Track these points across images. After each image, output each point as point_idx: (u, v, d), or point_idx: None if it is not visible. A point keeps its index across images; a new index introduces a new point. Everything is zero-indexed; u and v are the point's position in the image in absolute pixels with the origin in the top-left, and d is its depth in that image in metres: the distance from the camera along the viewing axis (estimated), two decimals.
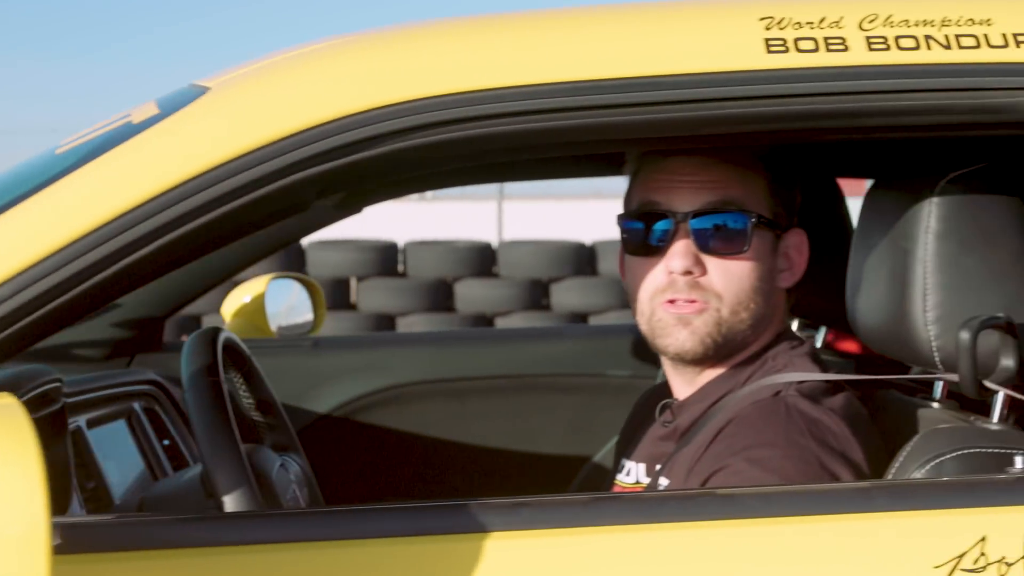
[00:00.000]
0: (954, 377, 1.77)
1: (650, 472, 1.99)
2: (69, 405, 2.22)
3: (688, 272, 1.88)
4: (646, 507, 1.58)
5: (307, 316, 3.34)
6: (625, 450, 2.09)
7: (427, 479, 3.09)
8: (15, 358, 1.65)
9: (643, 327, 1.94)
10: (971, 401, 1.83)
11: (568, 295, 9.98)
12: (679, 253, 1.89)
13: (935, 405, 1.93)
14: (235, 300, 3.28)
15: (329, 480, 2.95)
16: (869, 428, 1.91)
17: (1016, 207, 1.79)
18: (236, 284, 3.57)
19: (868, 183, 2.01)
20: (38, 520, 1.36)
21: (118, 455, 2.45)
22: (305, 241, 9.98)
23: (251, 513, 1.71)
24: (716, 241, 1.90)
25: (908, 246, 1.78)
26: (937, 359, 1.77)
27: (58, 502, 2.01)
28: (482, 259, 10.17)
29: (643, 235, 1.93)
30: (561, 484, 2.98)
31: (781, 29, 1.63)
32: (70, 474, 2.05)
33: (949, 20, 1.64)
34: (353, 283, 10.04)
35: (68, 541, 1.52)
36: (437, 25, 1.70)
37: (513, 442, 3.10)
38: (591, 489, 2.94)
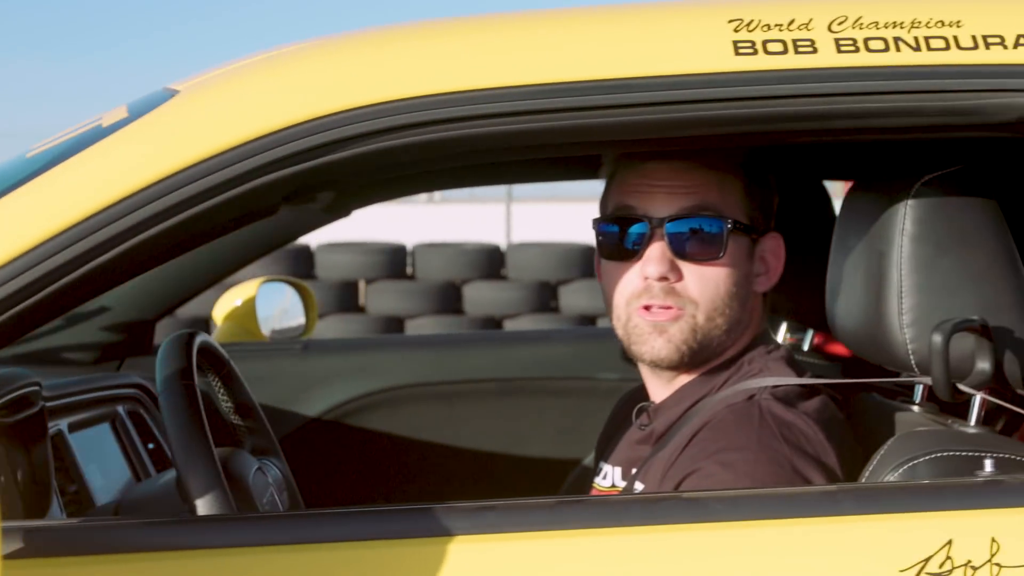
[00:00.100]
0: (928, 380, 1.77)
1: (626, 476, 1.98)
2: (50, 409, 2.22)
3: (664, 278, 1.88)
4: (611, 511, 1.58)
5: (299, 320, 3.34)
6: (603, 453, 2.09)
7: (417, 482, 3.09)
8: None
9: (619, 332, 1.94)
10: (952, 404, 1.82)
11: (577, 297, 9.97)
12: (655, 258, 1.88)
13: (915, 408, 1.92)
14: (226, 303, 3.29)
15: (319, 483, 2.95)
16: (843, 432, 1.90)
17: (991, 209, 1.78)
18: (228, 287, 3.57)
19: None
20: None
21: (101, 459, 2.45)
22: (314, 244, 9.99)
23: (217, 517, 1.71)
24: (692, 246, 1.89)
25: (884, 248, 1.78)
26: (913, 362, 1.77)
27: (37, 505, 2.02)
28: (491, 261, 10.16)
29: (618, 239, 1.92)
30: (551, 487, 2.98)
31: (750, 31, 1.62)
32: (50, 477, 2.05)
33: (919, 22, 1.64)
34: (362, 285, 10.04)
35: (30, 545, 1.52)
36: (405, 28, 1.70)
37: (503, 445, 3.10)
38: (581, 492, 2.93)
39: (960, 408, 1.83)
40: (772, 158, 2.51)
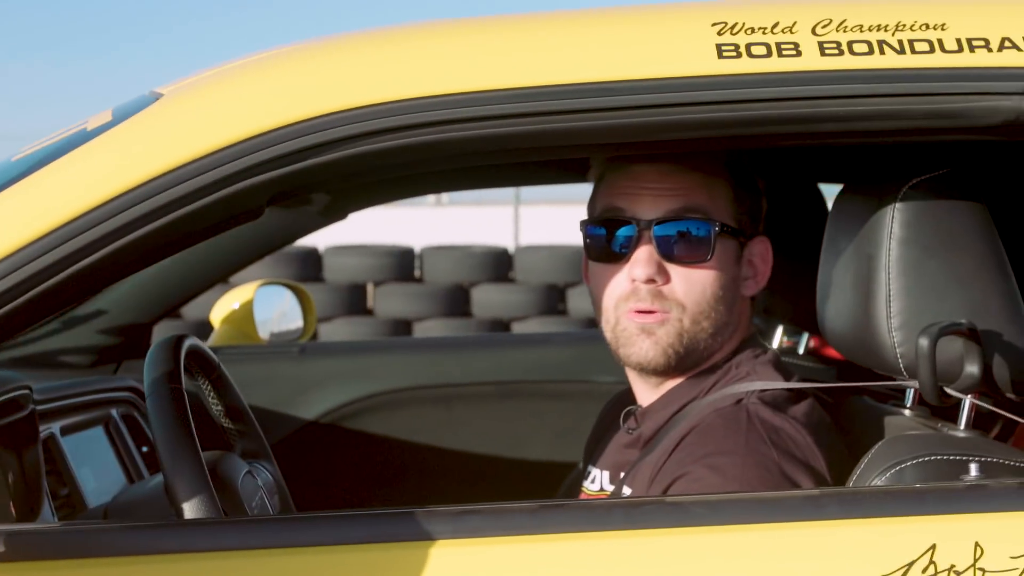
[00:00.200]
0: (916, 384, 1.76)
1: (614, 479, 1.98)
2: (42, 412, 2.23)
3: (651, 280, 1.88)
4: (594, 515, 1.57)
5: (297, 323, 3.35)
6: (591, 457, 2.09)
7: (414, 485, 3.09)
8: None
9: (607, 335, 1.94)
10: (943, 408, 1.82)
11: (585, 300, 9.95)
12: (642, 261, 1.88)
13: (905, 412, 1.91)
14: (224, 306, 3.29)
15: (317, 486, 2.96)
16: (832, 436, 1.90)
17: (979, 212, 1.78)
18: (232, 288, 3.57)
19: None
20: None
21: (95, 462, 2.45)
22: (322, 246, 10.00)
23: (203, 521, 1.71)
24: (679, 249, 1.89)
25: (872, 251, 1.77)
26: (901, 365, 1.76)
27: (29, 508, 2.02)
28: (499, 264, 10.17)
29: (606, 241, 1.92)
30: (548, 490, 2.97)
31: (733, 34, 1.62)
32: (41, 480, 2.05)
33: (903, 25, 1.63)
34: (370, 288, 10.05)
35: (13, 549, 1.52)
36: (388, 32, 1.69)
37: (500, 448, 3.10)
38: (576, 495, 2.93)
39: (951, 412, 1.82)
40: (765, 161, 2.51)
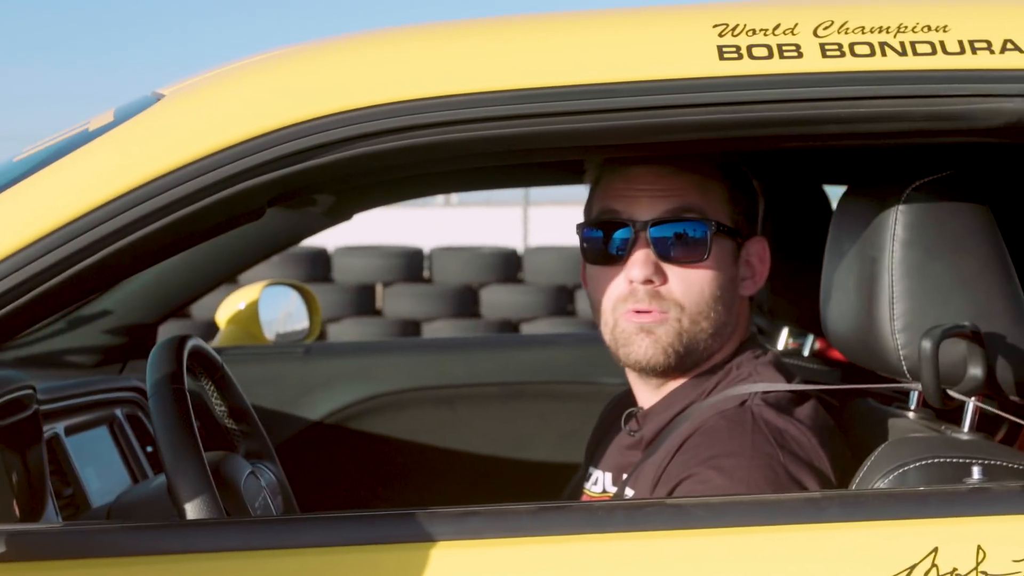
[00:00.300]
0: (920, 386, 1.76)
1: (617, 481, 1.98)
2: (46, 412, 2.23)
3: (648, 281, 1.88)
4: (595, 517, 1.57)
5: (303, 323, 3.35)
6: (593, 458, 2.09)
7: (418, 486, 3.09)
8: None
9: (606, 337, 1.94)
10: (947, 411, 1.81)
11: None
12: (639, 262, 1.88)
13: (909, 414, 1.91)
14: (230, 307, 3.30)
15: (321, 487, 2.96)
16: (835, 437, 1.89)
17: (982, 214, 1.77)
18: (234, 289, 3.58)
19: None
20: None
21: (99, 462, 2.45)
22: (331, 247, 10.01)
23: (205, 521, 1.71)
24: (676, 249, 1.89)
25: (875, 254, 1.77)
26: (904, 367, 1.76)
27: (32, 508, 2.02)
28: (507, 265, 10.17)
29: (603, 244, 1.92)
30: (552, 491, 2.97)
31: (735, 36, 1.62)
32: (45, 480, 2.05)
33: (905, 27, 1.63)
34: (379, 289, 10.05)
35: (14, 549, 1.53)
36: (387, 33, 1.70)
37: (505, 449, 3.10)
38: (579, 497, 2.93)
39: (955, 415, 1.82)
40: (770, 163, 2.51)
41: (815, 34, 1.62)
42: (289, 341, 3.33)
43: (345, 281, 9.90)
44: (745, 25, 1.62)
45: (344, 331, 9.55)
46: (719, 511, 1.56)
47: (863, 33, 1.62)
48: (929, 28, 1.62)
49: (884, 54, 1.62)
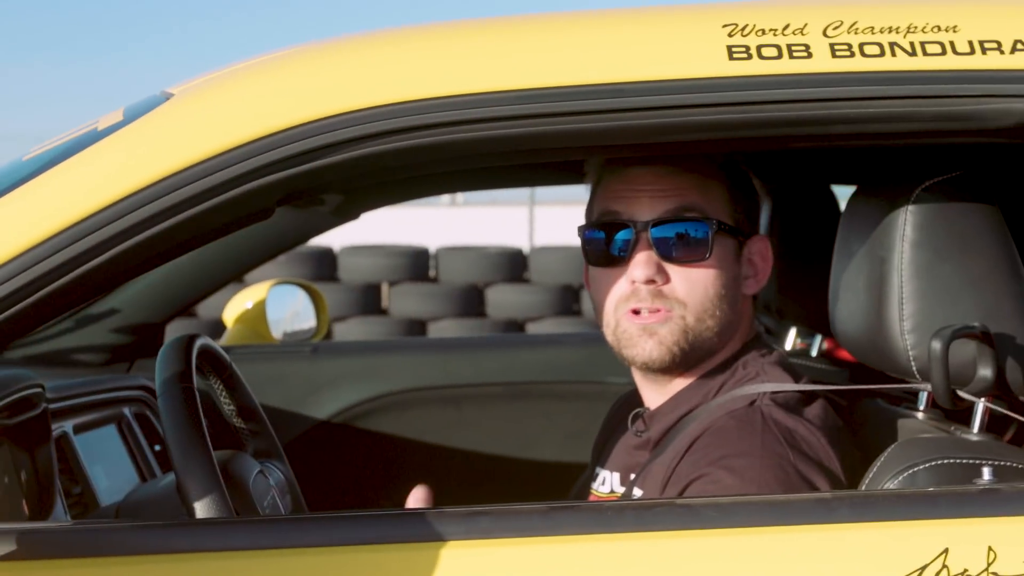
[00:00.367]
0: (929, 387, 1.76)
1: (624, 482, 1.98)
2: (55, 411, 2.24)
3: (651, 281, 1.88)
4: (605, 517, 1.57)
5: (310, 322, 3.35)
6: (600, 458, 2.09)
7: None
8: None
9: (609, 338, 1.94)
10: (956, 411, 1.81)
11: None
12: (641, 262, 1.88)
13: (918, 415, 1.91)
14: (237, 306, 3.30)
15: (328, 486, 2.96)
16: (845, 437, 1.89)
17: (992, 215, 1.77)
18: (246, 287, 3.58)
19: None
20: None
21: (107, 460, 2.46)
22: (337, 246, 10.02)
23: (214, 520, 1.71)
24: (678, 249, 1.89)
25: (885, 254, 1.77)
26: (914, 368, 1.76)
27: (41, 506, 2.03)
28: (513, 264, 10.17)
29: (604, 245, 1.92)
30: (558, 491, 2.96)
31: (744, 36, 1.62)
32: (53, 479, 2.06)
33: (915, 27, 1.62)
34: (385, 288, 10.06)
35: (24, 548, 1.53)
36: (396, 33, 1.69)
37: (511, 449, 3.10)
38: (586, 497, 2.93)
39: (965, 416, 1.81)
40: (778, 163, 2.51)
41: (825, 34, 1.62)
42: (296, 340, 3.33)
43: (351, 280, 9.91)
44: (754, 25, 1.62)
45: (350, 330, 9.56)
46: (729, 511, 1.56)
47: (873, 33, 1.62)
48: (939, 28, 1.62)
49: (894, 54, 1.61)
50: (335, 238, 9.80)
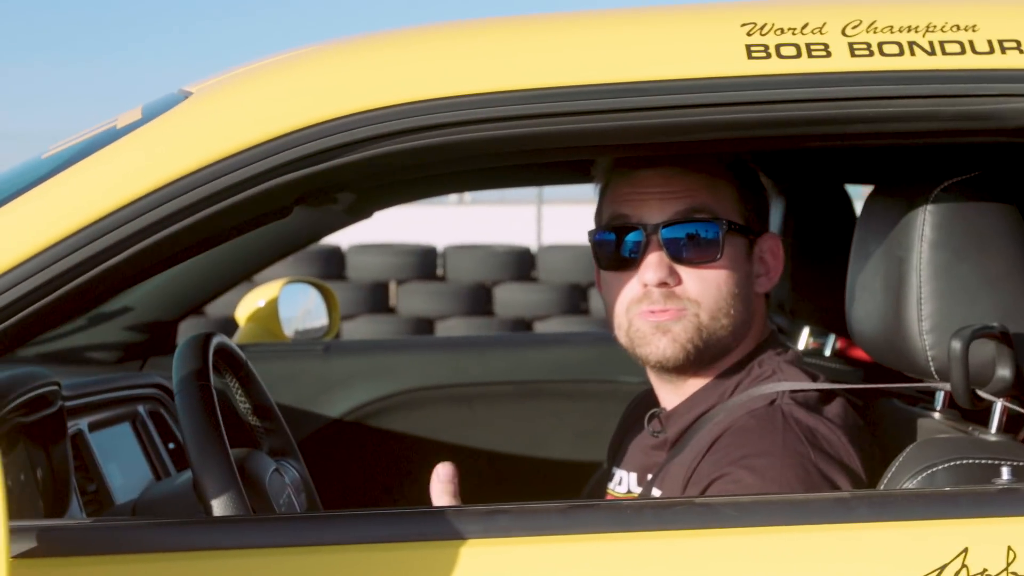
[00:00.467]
0: (947, 387, 1.76)
1: (641, 482, 1.98)
2: (70, 408, 2.24)
3: (663, 283, 1.88)
4: (623, 516, 1.57)
5: (322, 321, 3.36)
6: (616, 458, 2.09)
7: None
8: (2, 359, 1.65)
9: (622, 339, 1.93)
10: (973, 411, 1.81)
11: None
12: (652, 265, 1.88)
13: (935, 415, 1.91)
14: (250, 304, 3.30)
15: (340, 484, 2.96)
16: (865, 437, 1.89)
17: (1011, 215, 1.77)
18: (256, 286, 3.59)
19: None
20: None
21: (122, 458, 2.46)
22: (345, 245, 10.02)
23: (232, 518, 1.72)
24: (689, 250, 1.89)
25: (903, 254, 1.77)
26: (932, 368, 1.76)
27: (57, 504, 2.03)
28: (521, 263, 10.17)
29: (615, 248, 1.92)
30: (571, 490, 2.97)
31: (763, 35, 1.61)
32: (69, 476, 2.06)
33: (934, 26, 1.62)
34: (392, 287, 10.06)
35: (44, 545, 1.53)
36: (416, 31, 1.69)
37: (523, 448, 3.10)
38: (601, 496, 2.93)
39: (982, 415, 1.81)
40: (791, 163, 2.51)
41: (843, 33, 1.62)
42: (308, 338, 3.34)
43: (359, 279, 9.91)
44: (773, 24, 1.62)
45: (358, 329, 9.56)
46: (748, 510, 1.56)
47: (892, 32, 1.62)
48: (958, 27, 1.62)
49: (913, 53, 1.61)
50: (343, 237, 9.80)
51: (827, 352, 2.75)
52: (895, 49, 1.61)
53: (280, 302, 3.27)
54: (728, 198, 1.93)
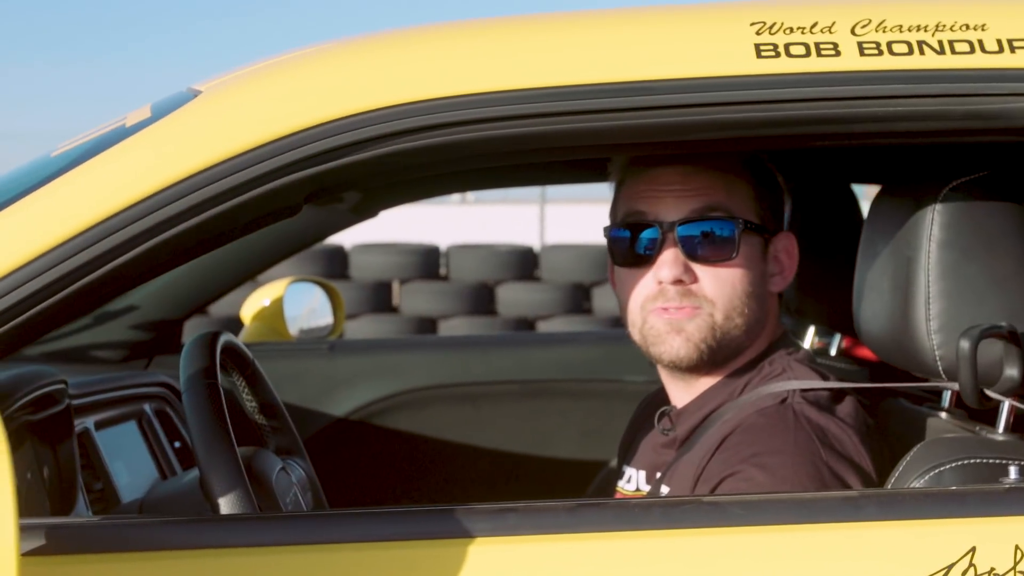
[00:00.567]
0: (955, 386, 1.76)
1: (650, 480, 1.98)
2: (77, 407, 2.24)
3: (678, 281, 1.88)
4: (631, 514, 1.57)
5: (327, 320, 3.36)
6: (626, 457, 2.09)
7: (441, 483, 3.10)
8: (9, 358, 1.65)
9: (635, 337, 1.93)
10: (980, 411, 1.81)
11: (610, 299, 9.89)
12: (668, 262, 1.88)
13: (942, 414, 1.91)
14: (254, 303, 3.30)
15: (344, 483, 2.97)
16: (874, 436, 1.89)
17: (1019, 214, 1.77)
18: (260, 286, 3.59)
19: None
20: (6, 523, 1.37)
21: (128, 457, 2.46)
22: (348, 244, 10.02)
23: (239, 516, 1.72)
24: (704, 248, 1.89)
25: (911, 254, 1.77)
26: (940, 368, 1.76)
27: (64, 502, 2.03)
28: (524, 263, 10.17)
29: (630, 245, 1.92)
30: (576, 489, 2.98)
31: (772, 34, 1.61)
32: (76, 475, 2.06)
33: (943, 25, 1.62)
34: (395, 286, 10.06)
35: (53, 542, 1.53)
36: (426, 30, 1.69)
37: (528, 447, 3.10)
38: (607, 495, 2.94)
39: (989, 415, 1.81)
40: (799, 162, 2.50)
41: (853, 32, 1.62)
42: (313, 337, 3.34)
43: (362, 278, 9.91)
44: (782, 23, 1.62)
45: (361, 328, 9.56)
46: (756, 509, 1.56)
47: (901, 32, 1.62)
48: (967, 27, 1.62)
49: (922, 52, 1.61)
50: (346, 236, 9.80)
51: (833, 351, 2.75)
52: (904, 48, 1.61)
53: (285, 301, 3.27)
54: (744, 197, 1.93)
